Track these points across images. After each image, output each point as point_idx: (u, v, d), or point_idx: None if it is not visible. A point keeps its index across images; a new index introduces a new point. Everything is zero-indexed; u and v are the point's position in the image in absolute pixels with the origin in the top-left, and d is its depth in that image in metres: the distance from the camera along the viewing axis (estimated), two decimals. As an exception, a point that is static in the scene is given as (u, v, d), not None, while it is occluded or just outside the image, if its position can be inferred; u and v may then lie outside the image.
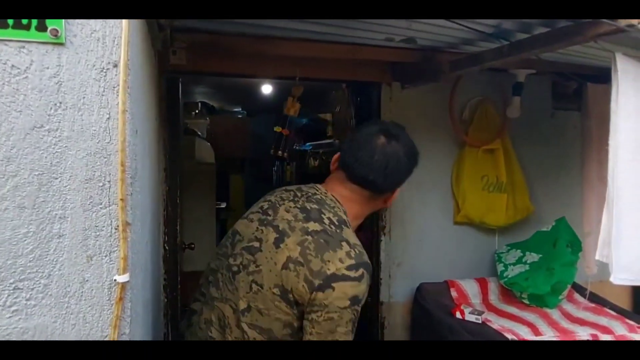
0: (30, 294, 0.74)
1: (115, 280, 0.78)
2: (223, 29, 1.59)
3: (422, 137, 2.15)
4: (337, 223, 1.02)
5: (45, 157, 0.74)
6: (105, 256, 0.78)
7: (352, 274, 0.94)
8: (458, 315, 1.85)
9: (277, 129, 2.90)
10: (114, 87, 0.77)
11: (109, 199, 0.78)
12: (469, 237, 2.25)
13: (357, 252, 0.99)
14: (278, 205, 1.07)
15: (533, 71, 2.07)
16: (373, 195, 1.08)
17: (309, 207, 1.04)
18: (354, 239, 1.01)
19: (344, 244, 0.97)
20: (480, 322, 1.81)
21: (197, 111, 3.90)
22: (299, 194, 1.09)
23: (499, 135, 2.21)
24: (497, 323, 1.82)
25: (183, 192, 2.93)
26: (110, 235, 0.78)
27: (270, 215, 1.05)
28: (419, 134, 2.14)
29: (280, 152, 2.92)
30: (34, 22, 0.72)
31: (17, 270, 0.74)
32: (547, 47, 1.32)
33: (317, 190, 1.09)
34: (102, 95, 0.77)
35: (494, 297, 2.12)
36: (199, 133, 3.62)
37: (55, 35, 0.73)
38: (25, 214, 0.74)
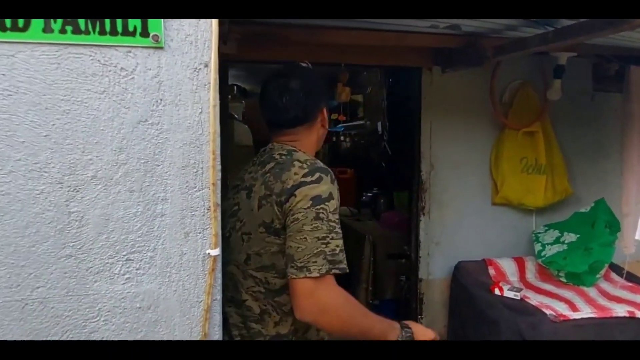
0: (139, 265, 0.87)
1: (208, 253, 0.90)
2: (275, 20, 1.67)
3: (461, 120, 2.21)
4: (286, 153, 1.15)
5: (149, 147, 0.86)
6: (199, 233, 0.90)
7: (308, 179, 1.04)
8: (497, 292, 1.93)
9: (334, 116, 3.00)
10: (205, 85, 0.87)
11: (202, 183, 0.89)
12: (507, 218, 2.30)
13: (309, 163, 1.09)
14: (243, 175, 1.24)
15: (574, 54, 2.07)
16: (300, 129, 1.20)
17: (264, 159, 1.19)
18: (305, 157, 1.13)
19: (295, 162, 1.09)
20: (519, 298, 1.89)
21: (233, 94, 4.01)
22: (256, 160, 1.24)
23: (539, 118, 2.24)
24: (535, 299, 1.89)
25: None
26: (203, 215, 0.89)
27: (239, 184, 1.22)
28: (458, 117, 2.20)
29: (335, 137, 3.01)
30: (139, 28, 0.83)
31: (128, 244, 0.86)
32: (592, 34, 1.35)
33: (271, 148, 1.22)
34: (195, 92, 0.87)
35: (531, 276, 2.19)
36: (236, 116, 3.74)
37: (157, 40, 0.84)
38: (134, 196, 0.86)
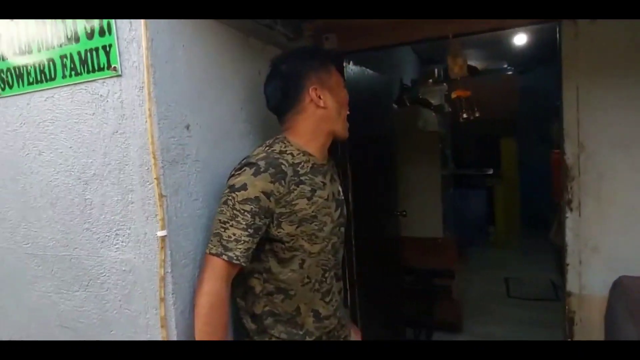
0: (122, 239, 1.17)
1: (156, 235, 1.12)
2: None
3: (625, 81, 1.57)
4: (264, 144, 1.22)
5: (121, 151, 1.14)
6: (154, 217, 1.12)
7: (234, 171, 1.15)
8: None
9: (455, 94, 2.65)
10: (146, 99, 1.09)
11: (151, 178, 1.11)
12: None
13: (248, 157, 1.17)
14: None
15: None
16: (289, 116, 1.24)
17: None
18: (257, 151, 1.19)
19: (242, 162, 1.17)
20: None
21: (433, 78, 3.90)
22: None
23: None
24: None
25: (406, 161, 3.11)
26: (155, 203, 1.12)
27: None
28: (619, 77, 1.58)
29: (466, 115, 2.66)
30: (105, 63, 1.12)
31: (116, 223, 1.18)
32: None
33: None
34: (141, 106, 1.10)
35: None
36: (432, 101, 3.64)
37: (116, 70, 1.11)
38: (115, 188, 1.16)
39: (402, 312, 3.07)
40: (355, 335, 1.50)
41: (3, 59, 1.25)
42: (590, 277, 1.68)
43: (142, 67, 1.08)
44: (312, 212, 1.19)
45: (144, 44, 1.05)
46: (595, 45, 1.59)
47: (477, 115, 3.19)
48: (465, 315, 3.44)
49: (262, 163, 1.12)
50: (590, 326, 1.70)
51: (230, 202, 1.09)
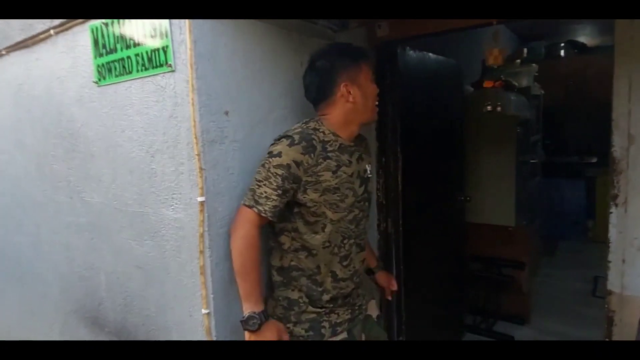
0: (176, 202, 1.47)
1: (197, 199, 1.38)
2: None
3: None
4: (303, 122, 1.40)
5: (175, 131, 1.42)
6: (195, 186, 1.39)
7: (274, 141, 1.35)
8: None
9: (487, 83, 2.49)
10: (191, 89, 1.34)
11: (194, 153, 1.37)
12: None
13: (288, 131, 1.35)
14: None
15: None
16: (324, 106, 1.42)
17: None
18: (298, 126, 1.38)
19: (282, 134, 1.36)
20: None
21: (521, 58, 3.68)
22: None
23: None
24: None
25: (477, 145, 3.08)
26: (196, 174, 1.38)
27: None
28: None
29: (494, 107, 2.53)
30: (163, 61, 1.39)
31: (170, 190, 1.48)
32: None
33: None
34: (188, 95, 1.36)
35: None
36: (515, 83, 3.46)
37: (170, 67, 1.38)
38: (171, 161, 1.45)
39: (462, 297, 3.09)
40: (384, 281, 1.76)
41: (101, 57, 1.61)
42: (634, 278, 1.60)
43: (187, 64, 1.33)
44: (335, 184, 1.36)
45: (188, 45, 1.30)
46: (653, 30, 1.47)
47: (589, 95, 2.91)
48: (536, 310, 3.32)
49: (296, 136, 1.32)
50: (630, 328, 1.62)
51: (266, 165, 1.31)
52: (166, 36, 1.36)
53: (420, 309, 2.43)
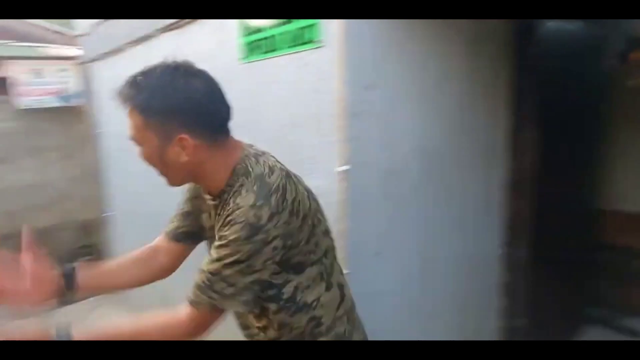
0: (318, 166, 1.57)
1: (336, 170, 1.46)
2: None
3: None
4: None
5: (317, 103, 1.50)
6: (337, 155, 1.47)
7: None
8: None
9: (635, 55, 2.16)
10: (338, 63, 1.41)
11: (333, 121, 1.45)
12: None
13: None
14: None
15: None
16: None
17: None
18: None
19: None
20: None
21: None
22: None
23: None
24: None
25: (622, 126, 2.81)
26: (337, 143, 1.46)
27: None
28: None
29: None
30: (312, 38, 1.47)
31: (311, 158, 1.57)
32: None
33: None
34: (334, 68, 1.43)
35: None
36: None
37: (319, 43, 1.46)
38: (308, 133, 1.55)
39: (586, 287, 2.89)
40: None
41: (247, 36, 1.74)
42: None
43: (337, 41, 1.39)
44: None
45: (337, 22, 1.36)
46: None
47: None
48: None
49: None
50: None
51: None
52: (316, 15, 1.44)
53: (544, 294, 2.33)
